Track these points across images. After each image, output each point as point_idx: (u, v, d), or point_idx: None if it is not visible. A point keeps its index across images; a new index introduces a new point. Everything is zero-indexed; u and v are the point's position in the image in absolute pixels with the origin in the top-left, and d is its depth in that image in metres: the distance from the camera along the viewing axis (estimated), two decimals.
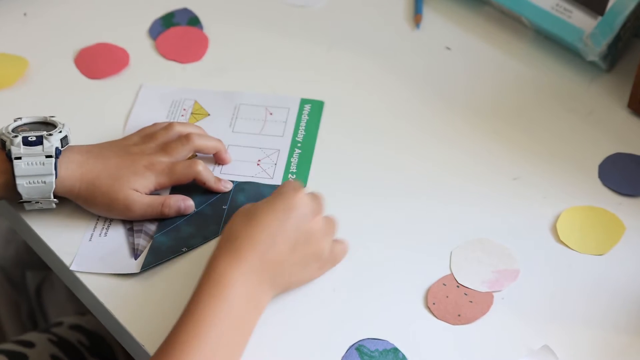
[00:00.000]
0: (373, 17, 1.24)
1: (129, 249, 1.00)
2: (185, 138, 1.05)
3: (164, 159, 1.03)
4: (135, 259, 0.99)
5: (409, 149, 1.10)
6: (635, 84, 1.11)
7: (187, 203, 1.03)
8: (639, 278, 0.99)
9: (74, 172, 1.00)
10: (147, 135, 1.06)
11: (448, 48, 1.21)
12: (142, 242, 1.01)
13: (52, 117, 1.03)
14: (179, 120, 1.11)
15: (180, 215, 1.03)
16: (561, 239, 1.02)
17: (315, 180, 1.07)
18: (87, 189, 1.00)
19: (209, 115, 1.12)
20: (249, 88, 1.16)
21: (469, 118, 1.13)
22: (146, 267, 0.99)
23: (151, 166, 1.02)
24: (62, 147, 1.00)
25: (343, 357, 0.93)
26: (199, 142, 1.05)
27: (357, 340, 0.94)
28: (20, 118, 1.03)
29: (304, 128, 1.11)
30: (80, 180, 1.00)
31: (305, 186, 1.03)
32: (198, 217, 1.03)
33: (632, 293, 0.98)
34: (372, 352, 0.93)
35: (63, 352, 1.21)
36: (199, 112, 1.12)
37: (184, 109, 1.13)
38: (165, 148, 1.04)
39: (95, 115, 1.12)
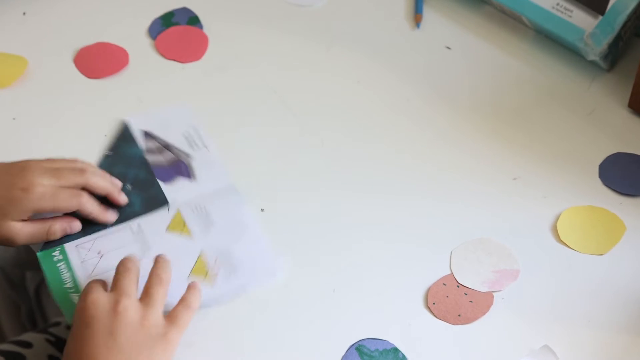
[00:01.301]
0: (373, 17, 1.24)
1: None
2: (79, 170, 1.00)
3: (47, 181, 0.97)
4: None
5: (409, 149, 1.10)
6: (635, 83, 1.11)
7: (73, 225, 0.99)
8: (639, 278, 0.99)
9: None
10: (47, 159, 1.00)
11: (448, 47, 1.21)
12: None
13: None
14: None
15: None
16: (561, 238, 1.02)
17: (316, 180, 1.07)
18: None
19: None
20: (249, 87, 1.16)
21: (469, 117, 1.13)
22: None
23: (30, 188, 0.95)
24: None
25: (343, 357, 0.93)
26: (92, 180, 1.00)
27: (357, 340, 0.94)
28: None
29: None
30: None
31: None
32: None
33: (632, 293, 0.98)
34: (372, 352, 0.93)
35: (60, 352, 1.21)
36: None
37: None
38: (54, 172, 0.98)
39: (94, 115, 1.12)
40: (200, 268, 0.98)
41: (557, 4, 1.16)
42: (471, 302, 0.97)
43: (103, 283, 0.93)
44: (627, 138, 1.11)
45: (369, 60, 1.19)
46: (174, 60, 1.19)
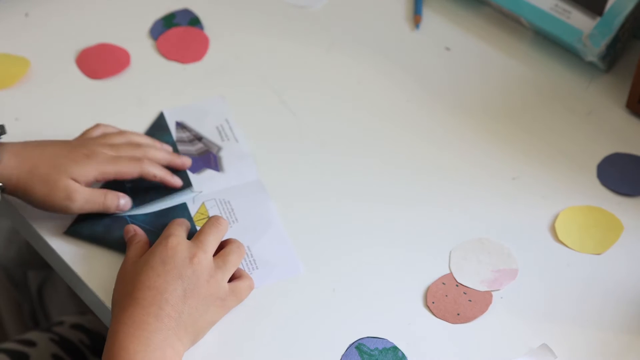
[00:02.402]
0: (373, 18, 1.24)
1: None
2: (136, 144, 1.03)
3: (107, 151, 1.00)
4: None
5: (408, 149, 1.10)
6: (633, 84, 1.11)
7: (123, 201, 1.01)
8: (637, 277, 0.99)
9: (9, 161, 0.97)
10: (102, 135, 1.04)
11: (447, 49, 1.21)
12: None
13: None
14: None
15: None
16: (560, 238, 1.02)
17: (315, 180, 1.07)
18: (25, 179, 0.97)
19: None
20: (249, 88, 1.16)
21: (468, 118, 1.13)
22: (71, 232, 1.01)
23: (92, 154, 0.99)
24: None
25: (343, 355, 0.93)
26: (150, 152, 1.03)
27: (356, 339, 0.94)
28: None
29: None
30: (17, 169, 0.96)
31: (188, 225, 0.99)
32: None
33: (630, 292, 0.98)
34: (371, 350, 0.93)
35: (64, 352, 1.21)
36: None
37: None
38: (111, 145, 1.02)
39: (97, 116, 1.12)
40: None
41: (556, 5, 1.17)
42: (470, 301, 0.97)
43: (186, 227, 0.97)
44: (625, 138, 1.11)
45: (369, 61, 1.19)
46: (175, 61, 1.19)
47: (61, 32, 1.22)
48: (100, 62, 1.18)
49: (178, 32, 1.22)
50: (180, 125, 1.11)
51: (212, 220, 0.97)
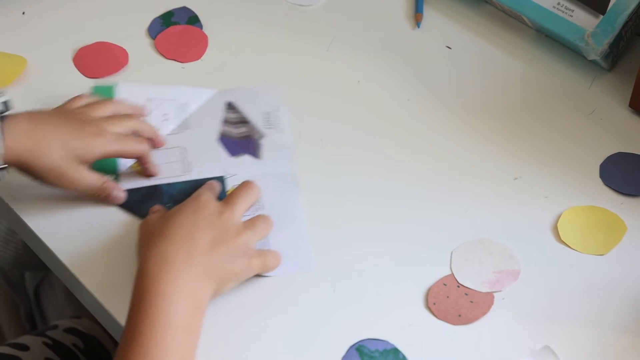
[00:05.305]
0: (373, 16, 1.24)
1: None
2: (127, 115, 1.06)
3: (111, 128, 1.03)
4: None
5: (409, 148, 1.10)
6: (636, 83, 1.10)
7: (119, 193, 1.03)
8: None
9: (22, 139, 0.98)
10: (87, 105, 1.06)
11: (449, 47, 1.21)
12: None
13: None
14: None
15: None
16: (562, 238, 1.01)
17: (315, 179, 1.07)
18: (39, 160, 0.98)
19: None
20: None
21: (469, 117, 1.13)
22: None
23: (100, 133, 1.02)
24: (3, 111, 1.00)
25: (343, 357, 0.93)
26: (141, 124, 1.06)
27: (357, 341, 0.94)
28: None
29: None
30: (30, 150, 0.98)
31: (218, 189, 1.03)
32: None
33: (633, 293, 0.97)
34: (372, 352, 0.93)
35: (58, 355, 1.21)
36: None
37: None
38: (109, 119, 1.04)
39: None
40: None
41: (558, 4, 1.16)
42: (472, 302, 0.97)
43: (216, 191, 1.01)
44: (628, 138, 1.11)
45: (369, 60, 1.19)
46: (174, 59, 1.19)
47: (58, 31, 1.21)
48: (98, 60, 1.18)
49: (176, 31, 1.22)
50: (231, 106, 1.12)
51: (244, 184, 1.01)
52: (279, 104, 1.13)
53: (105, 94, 1.12)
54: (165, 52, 1.19)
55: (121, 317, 0.96)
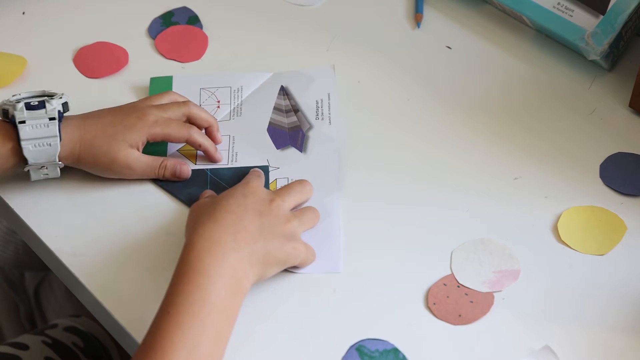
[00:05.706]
0: (373, 16, 1.24)
1: None
2: (181, 102, 1.07)
3: (157, 112, 1.04)
4: None
5: (409, 148, 1.10)
6: (637, 83, 1.10)
7: (183, 167, 1.05)
8: None
9: (73, 134, 1.01)
10: (145, 98, 1.08)
11: (449, 47, 1.21)
12: None
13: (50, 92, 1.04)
14: None
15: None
16: (562, 238, 1.01)
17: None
18: (88, 151, 1.02)
19: None
20: None
21: (470, 117, 1.13)
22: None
23: (143, 117, 1.03)
24: (63, 111, 1.02)
25: (343, 357, 0.93)
26: (194, 109, 1.06)
27: (357, 341, 0.94)
28: (18, 93, 1.04)
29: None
30: (79, 142, 1.01)
31: (264, 178, 1.04)
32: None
33: (633, 293, 0.97)
34: (372, 352, 0.93)
35: (57, 354, 1.21)
36: None
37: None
38: (159, 106, 1.06)
39: None
40: None
41: (558, 4, 1.16)
42: (472, 302, 0.96)
43: (263, 179, 1.03)
44: (628, 138, 1.11)
45: (369, 60, 1.19)
46: (174, 59, 1.19)
47: (58, 31, 1.21)
48: (98, 60, 1.18)
49: (177, 31, 1.21)
50: (284, 92, 1.13)
51: (300, 181, 1.03)
52: (330, 90, 1.13)
53: (164, 85, 1.13)
54: (166, 52, 1.19)
55: (121, 317, 0.96)
